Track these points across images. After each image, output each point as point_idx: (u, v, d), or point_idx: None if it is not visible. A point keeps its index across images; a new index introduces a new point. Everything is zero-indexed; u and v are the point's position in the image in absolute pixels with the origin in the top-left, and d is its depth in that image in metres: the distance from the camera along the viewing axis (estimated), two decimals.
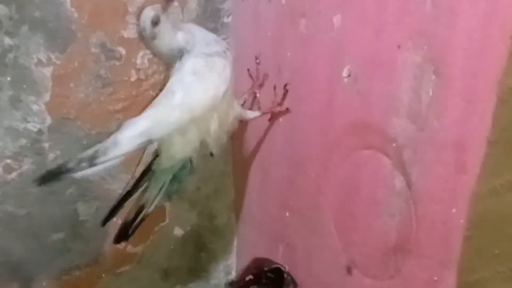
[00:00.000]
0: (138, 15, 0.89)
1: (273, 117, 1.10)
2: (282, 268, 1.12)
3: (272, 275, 1.12)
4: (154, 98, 0.95)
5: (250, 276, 1.14)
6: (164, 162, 0.96)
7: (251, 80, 1.15)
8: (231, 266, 1.41)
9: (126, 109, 1.10)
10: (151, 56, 1.09)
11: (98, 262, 1.18)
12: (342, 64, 0.91)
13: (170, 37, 0.91)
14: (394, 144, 0.83)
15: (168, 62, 0.94)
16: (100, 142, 1.06)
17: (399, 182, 0.83)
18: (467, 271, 0.75)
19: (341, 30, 0.90)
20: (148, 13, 0.87)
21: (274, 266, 1.13)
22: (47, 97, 1.01)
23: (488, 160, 0.70)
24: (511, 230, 0.68)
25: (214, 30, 1.16)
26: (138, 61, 1.09)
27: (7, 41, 0.95)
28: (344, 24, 0.89)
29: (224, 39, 1.18)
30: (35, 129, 1.02)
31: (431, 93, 0.75)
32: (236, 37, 1.19)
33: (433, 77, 0.75)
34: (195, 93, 0.90)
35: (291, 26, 1.00)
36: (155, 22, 0.88)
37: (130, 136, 0.86)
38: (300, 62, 1.01)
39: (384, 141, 0.85)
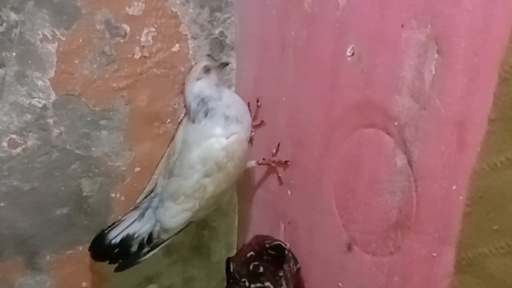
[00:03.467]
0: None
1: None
2: (283, 245, 1.13)
3: (273, 252, 1.13)
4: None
5: (252, 253, 1.15)
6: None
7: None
8: (233, 244, 1.42)
9: (130, 86, 1.11)
10: (155, 33, 1.10)
11: None
12: (346, 43, 0.91)
13: (209, 86, 1.05)
14: (396, 123, 0.84)
15: (189, 109, 1.05)
16: (104, 119, 1.08)
17: (400, 160, 0.84)
18: (466, 247, 0.77)
19: (346, 9, 0.90)
20: (204, 62, 1.06)
21: (275, 242, 1.14)
22: (52, 73, 1.02)
23: (488, 137, 0.70)
24: (510, 206, 0.70)
25: (218, 8, 1.16)
26: (143, 39, 1.09)
27: (13, 16, 0.95)
28: (349, 2, 0.89)
29: (228, 18, 1.19)
30: (40, 105, 1.02)
31: (434, 72, 0.76)
32: (241, 15, 1.19)
33: (436, 55, 0.75)
34: (223, 184, 1.06)
35: (296, 5, 1.01)
36: (207, 70, 1.05)
37: (178, 225, 1.07)
38: (304, 41, 1.01)
39: (387, 120, 0.85)
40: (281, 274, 1.10)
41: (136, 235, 1.07)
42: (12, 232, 1.08)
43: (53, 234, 1.12)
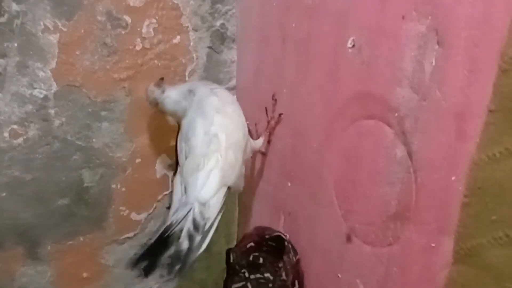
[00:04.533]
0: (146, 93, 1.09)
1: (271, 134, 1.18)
2: (283, 236, 1.13)
3: (273, 243, 1.14)
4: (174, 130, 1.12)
5: (251, 244, 1.15)
6: None
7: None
8: (233, 235, 1.43)
9: (131, 77, 1.11)
10: (156, 25, 1.10)
11: (102, 228, 1.20)
12: (347, 35, 0.91)
13: (177, 87, 1.09)
14: (396, 114, 0.84)
15: (179, 112, 1.07)
16: (105, 110, 1.09)
17: (400, 151, 0.85)
18: (465, 237, 0.77)
19: (346, 0, 0.90)
20: (151, 84, 1.08)
21: (275, 234, 1.15)
22: (53, 64, 1.02)
23: (488, 128, 0.71)
24: (508, 197, 0.70)
25: (220, 0, 1.17)
26: (144, 30, 1.10)
27: (14, 7, 0.96)
28: None
29: (229, 10, 1.19)
30: (41, 96, 1.03)
31: (434, 63, 0.76)
32: (242, 8, 1.19)
33: (437, 47, 0.75)
34: (232, 130, 1.03)
35: None
36: (158, 84, 1.07)
37: (213, 192, 0.97)
38: (305, 32, 1.01)
39: (387, 111, 0.86)
40: (280, 265, 1.11)
41: (175, 223, 0.95)
42: (13, 222, 1.08)
43: (54, 225, 1.13)
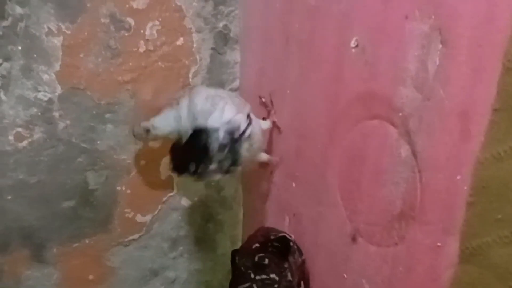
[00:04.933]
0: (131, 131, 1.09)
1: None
2: (288, 237, 1.13)
3: (278, 244, 1.13)
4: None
5: (257, 245, 1.15)
6: None
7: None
8: (238, 236, 1.43)
9: (135, 80, 1.11)
10: (160, 27, 1.11)
11: (107, 230, 1.20)
12: (350, 35, 0.91)
13: (157, 117, 1.06)
14: (400, 114, 0.84)
15: (176, 131, 1.05)
16: (109, 113, 1.09)
17: (404, 151, 0.84)
18: (470, 236, 0.77)
19: (349, 0, 0.90)
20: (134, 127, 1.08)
21: (280, 234, 1.14)
22: (57, 66, 1.03)
23: (492, 127, 0.71)
24: None
25: (223, 2, 1.17)
26: (147, 32, 1.10)
27: (18, 10, 0.96)
28: None
29: (232, 11, 1.19)
30: (46, 98, 1.03)
31: (437, 62, 0.76)
32: (244, 9, 1.19)
33: (440, 46, 0.75)
34: (229, 94, 1.09)
35: None
36: (140, 129, 1.06)
37: (234, 114, 1.00)
38: (308, 33, 1.01)
39: (391, 111, 0.86)
40: (286, 265, 1.11)
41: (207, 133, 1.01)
42: (18, 225, 1.09)
43: (59, 227, 1.14)
